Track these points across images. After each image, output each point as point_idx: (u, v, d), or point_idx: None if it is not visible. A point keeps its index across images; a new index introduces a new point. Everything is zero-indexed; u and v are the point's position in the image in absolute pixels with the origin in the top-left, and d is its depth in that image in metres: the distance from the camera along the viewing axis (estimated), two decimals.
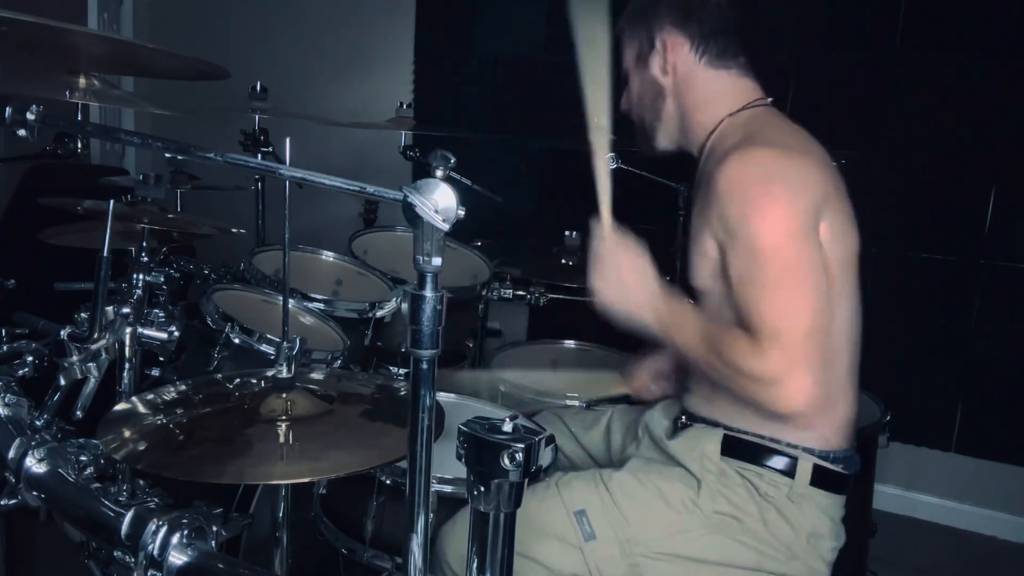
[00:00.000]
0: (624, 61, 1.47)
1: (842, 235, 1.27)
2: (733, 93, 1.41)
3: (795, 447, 1.30)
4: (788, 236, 1.19)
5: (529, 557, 1.29)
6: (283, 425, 1.09)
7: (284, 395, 1.14)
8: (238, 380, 1.25)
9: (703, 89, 1.41)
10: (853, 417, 1.35)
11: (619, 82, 1.49)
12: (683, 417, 1.43)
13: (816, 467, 1.29)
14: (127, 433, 1.05)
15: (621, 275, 1.32)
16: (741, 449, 1.32)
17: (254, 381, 1.24)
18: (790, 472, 1.29)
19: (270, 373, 1.19)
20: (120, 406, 1.13)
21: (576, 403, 1.84)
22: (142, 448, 1.01)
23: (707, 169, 1.36)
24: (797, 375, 1.14)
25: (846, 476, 1.33)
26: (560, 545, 1.31)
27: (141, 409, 1.13)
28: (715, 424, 1.36)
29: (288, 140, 1.12)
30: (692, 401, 1.43)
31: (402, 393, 1.28)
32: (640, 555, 1.30)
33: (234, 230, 1.75)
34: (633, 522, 1.31)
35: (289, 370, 1.15)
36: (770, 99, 1.42)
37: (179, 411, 1.14)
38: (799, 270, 1.19)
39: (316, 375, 1.35)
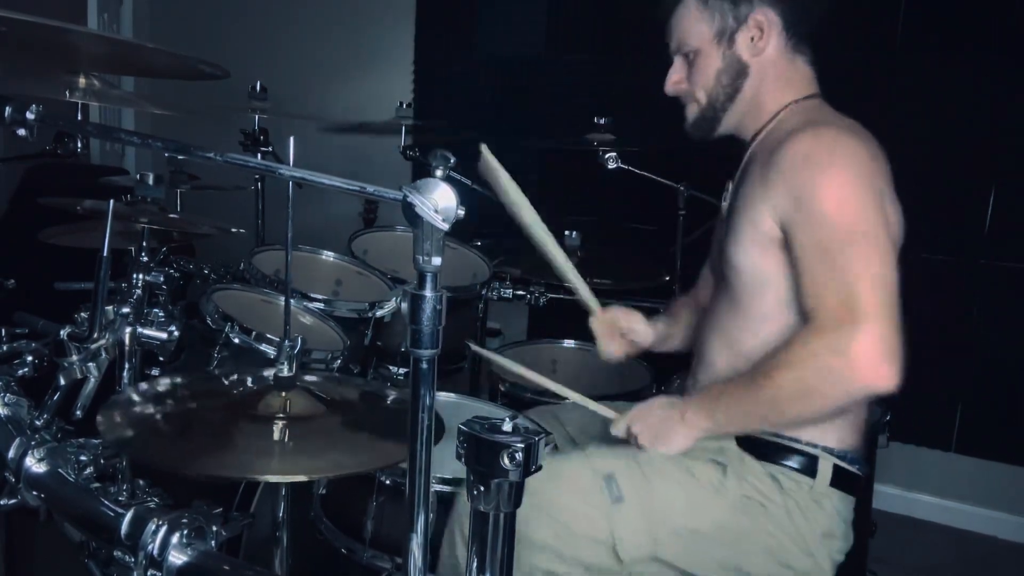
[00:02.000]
0: (684, 37, 1.41)
1: (895, 226, 1.27)
2: (802, 80, 1.40)
3: (815, 446, 1.30)
4: (858, 203, 1.19)
5: (552, 515, 1.25)
6: (280, 423, 1.10)
7: (283, 394, 1.14)
8: (236, 378, 1.25)
9: (781, 72, 1.39)
10: (867, 416, 1.36)
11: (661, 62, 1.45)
12: None
13: (835, 467, 1.30)
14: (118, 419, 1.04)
15: (656, 428, 1.32)
16: (759, 448, 1.32)
17: (252, 382, 1.24)
18: (810, 471, 1.29)
19: (270, 372, 1.19)
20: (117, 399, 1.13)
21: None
22: (139, 441, 1.02)
23: (764, 148, 1.35)
24: (870, 334, 1.12)
25: (859, 477, 1.33)
26: (585, 506, 1.27)
27: (137, 400, 1.13)
28: None
29: (292, 140, 1.12)
30: None
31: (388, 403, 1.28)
32: (662, 528, 1.28)
33: (234, 230, 1.75)
34: (660, 494, 1.29)
35: (290, 369, 1.15)
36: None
37: (176, 406, 1.15)
38: (871, 235, 1.18)
39: (314, 378, 1.35)
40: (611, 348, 1.66)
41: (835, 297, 1.16)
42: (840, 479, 1.30)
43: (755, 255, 1.30)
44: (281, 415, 1.11)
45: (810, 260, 1.20)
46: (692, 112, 1.45)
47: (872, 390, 1.14)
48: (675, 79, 1.45)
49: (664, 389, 2.08)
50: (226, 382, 1.25)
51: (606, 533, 1.26)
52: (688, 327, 1.68)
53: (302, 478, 1.11)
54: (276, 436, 1.07)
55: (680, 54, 1.43)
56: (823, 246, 1.19)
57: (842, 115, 1.36)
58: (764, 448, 1.31)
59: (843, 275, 1.16)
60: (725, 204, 1.46)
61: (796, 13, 1.37)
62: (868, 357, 1.11)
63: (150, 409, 1.11)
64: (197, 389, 1.22)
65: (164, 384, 1.21)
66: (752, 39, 1.37)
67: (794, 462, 1.30)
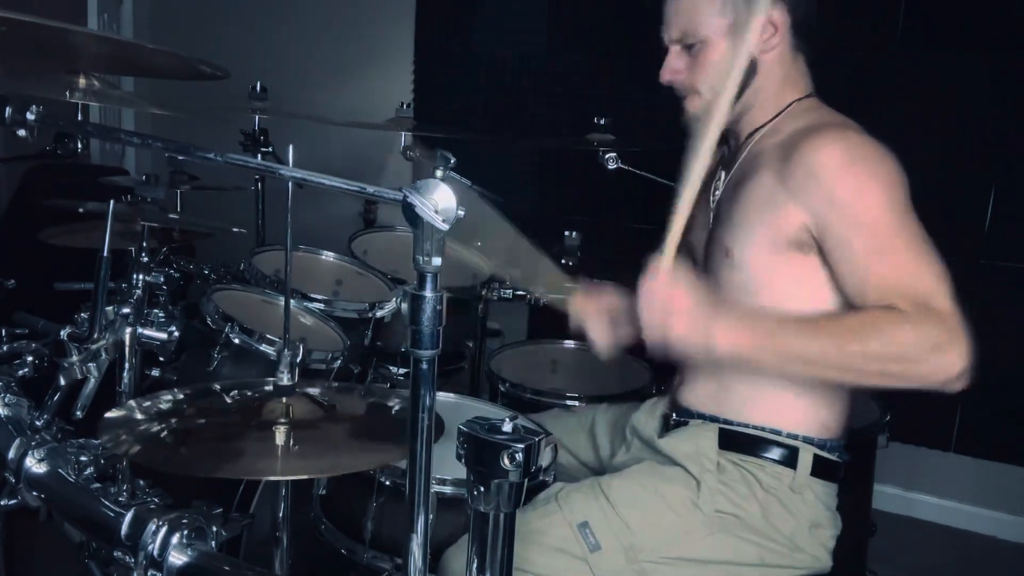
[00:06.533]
0: (691, 27, 1.34)
1: None
2: (803, 79, 1.39)
3: (795, 437, 1.31)
4: (902, 205, 1.21)
5: (533, 573, 1.27)
6: (283, 429, 1.10)
7: (284, 399, 1.14)
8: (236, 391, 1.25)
9: (786, 71, 1.37)
10: (849, 406, 1.37)
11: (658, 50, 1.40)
12: (674, 414, 1.43)
13: (816, 457, 1.31)
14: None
15: (668, 305, 1.20)
16: (739, 442, 1.32)
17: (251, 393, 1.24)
18: (790, 463, 1.30)
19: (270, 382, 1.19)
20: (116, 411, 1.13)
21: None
22: (140, 448, 1.02)
23: (771, 146, 1.33)
24: (956, 338, 1.12)
25: (840, 464, 1.34)
26: (565, 559, 1.29)
27: (139, 416, 1.13)
28: (712, 419, 1.36)
29: (291, 147, 1.12)
30: (687, 396, 1.42)
31: (394, 412, 1.28)
32: (646, 561, 1.29)
33: (234, 230, 1.75)
34: (636, 529, 1.30)
35: (291, 377, 1.14)
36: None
37: (176, 419, 1.15)
38: (922, 238, 1.21)
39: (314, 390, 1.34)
40: (602, 335, 1.53)
41: (909, 294, 1.15)
42: (820, 468, 1.31)
43: (764, 255, 1.28)
44: (283, 421, 1.11)
45: (869, 263, 1.19)
46: (695, 105, 1.39)
47: (944, 384, 1.16)
48: (675, 68, 1.38)
49: (663, 389, 2.08)
50: (228, 399, 1.24)
51: None
52: None
53: (303, 476, 1.11)
54: (279, 441, 1.07)
55: (681, 44, 1.37)
56: (883, 248, 1.19)
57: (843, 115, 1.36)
58: (744, 441, 1.32)
59: (910, 273, 1.18)
60: (717, 193, 1.44)
61: (803, 13, 1.35)
62: (965, 361, 1.12)
63: (153, 426, 1.11)
64: (199, 403, 1.21)
65: (166, 400, 1.21)
66: (769, 36, 1.33)
67: (775, 454, 1.31)
